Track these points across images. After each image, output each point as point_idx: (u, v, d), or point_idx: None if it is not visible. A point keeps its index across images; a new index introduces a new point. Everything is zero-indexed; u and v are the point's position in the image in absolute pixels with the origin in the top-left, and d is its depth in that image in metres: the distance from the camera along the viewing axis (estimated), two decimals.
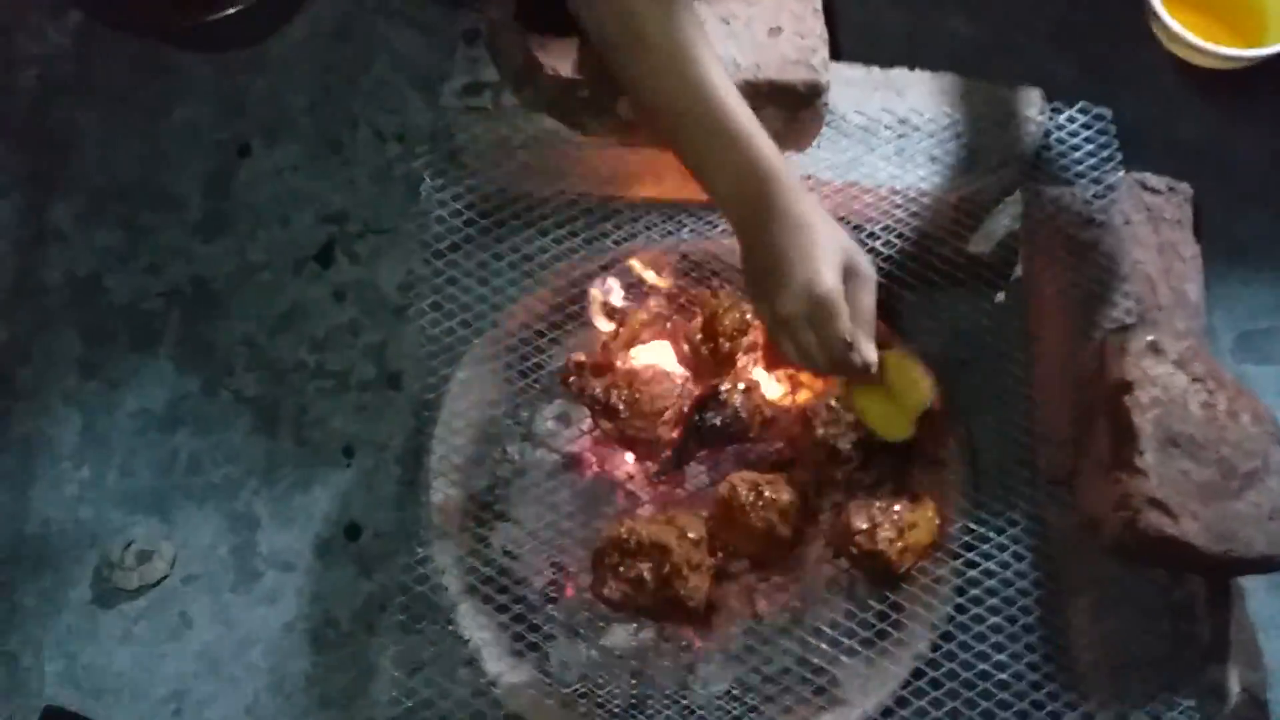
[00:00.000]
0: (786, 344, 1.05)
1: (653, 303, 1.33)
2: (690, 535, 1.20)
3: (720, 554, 1.23)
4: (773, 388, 1.32)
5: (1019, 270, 1.38)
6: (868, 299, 1.04)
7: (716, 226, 1.36)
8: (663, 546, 1.18)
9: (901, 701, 1.18)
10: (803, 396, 1.31)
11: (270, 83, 1.77)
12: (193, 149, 1.75)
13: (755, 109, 1.17)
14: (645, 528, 1.19)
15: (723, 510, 1.22)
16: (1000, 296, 1.40)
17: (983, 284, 1.36)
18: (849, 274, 1.02)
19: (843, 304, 1.00)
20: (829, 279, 0.99)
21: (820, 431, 1.24)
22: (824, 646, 1.23)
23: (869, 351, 1.04)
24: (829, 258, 0.99)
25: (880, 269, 1.20)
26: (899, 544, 1.19)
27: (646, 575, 1.17)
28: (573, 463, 1.31)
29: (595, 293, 1.36)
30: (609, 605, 1.25)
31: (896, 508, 1.21)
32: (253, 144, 1.74)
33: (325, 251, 1.63)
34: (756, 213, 1.02)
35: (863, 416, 1.19)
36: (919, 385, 1.18)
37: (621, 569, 1.19)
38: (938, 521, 1.27)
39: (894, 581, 1.26)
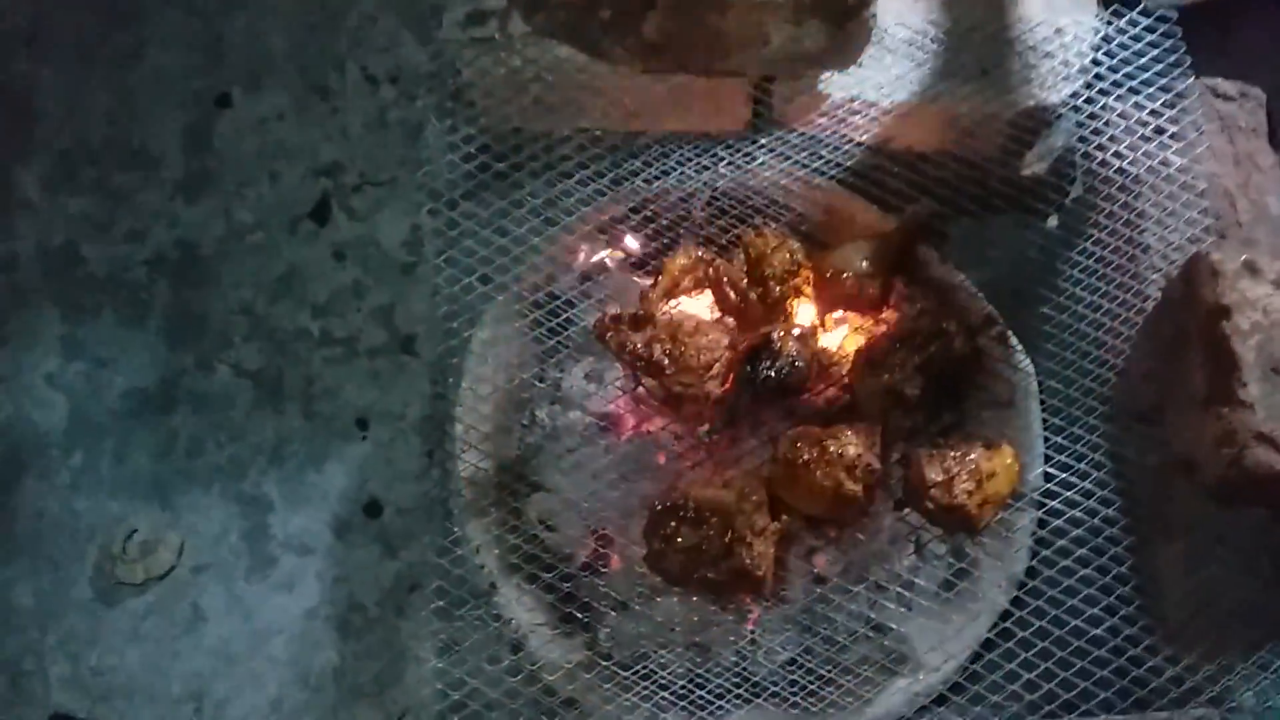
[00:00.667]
0: None
1: (691, 247, 1.26)
2: (753, 498, 1.13)
3: (784, 517, 1.17)
4: (828, 333, 1.26)
5: (1077, 190, 1.32)
6: None
7: (755, 159, 1.29)
8: (724, 511, 1.11)
9: (978, 659, 1.14)
10: (860, 340, 1.25)
11: (248, 24, 1.69)
12: (167, 101, 1.66)
13: (798, 22, 1.06)
14: (701, 492, 1.15)
15: (784, 470, 1.15)
16: (1053, 221, 1.34)
17: (1038, 207, 1.30)
18: None
19: None
20: None
21: (885, 377, 1.17)
22: (892, 607, 1.19)
23: None
24: None
25: (931, 195, 1.21)
26: (978, 496, 1.14)
27: (706, 545, 1.13)
28: (609, 424, 1.26)
29: (627, 239, 1.29)
30: (667, 578, 1.17)
31: (972, 456, 1.15)
32: (232, 93, 1.66)
33: (320, 208, 1.58)
34: None
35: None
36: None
37: (680, 539, 1.14)
38: (1017, 468, 1.19)
39: (972, 535, 1.19)
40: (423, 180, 1.36)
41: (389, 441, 1.46)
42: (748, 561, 1.13)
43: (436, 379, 1.35)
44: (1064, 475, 1.18)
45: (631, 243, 1.33)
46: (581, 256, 1.32)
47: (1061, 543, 1.14)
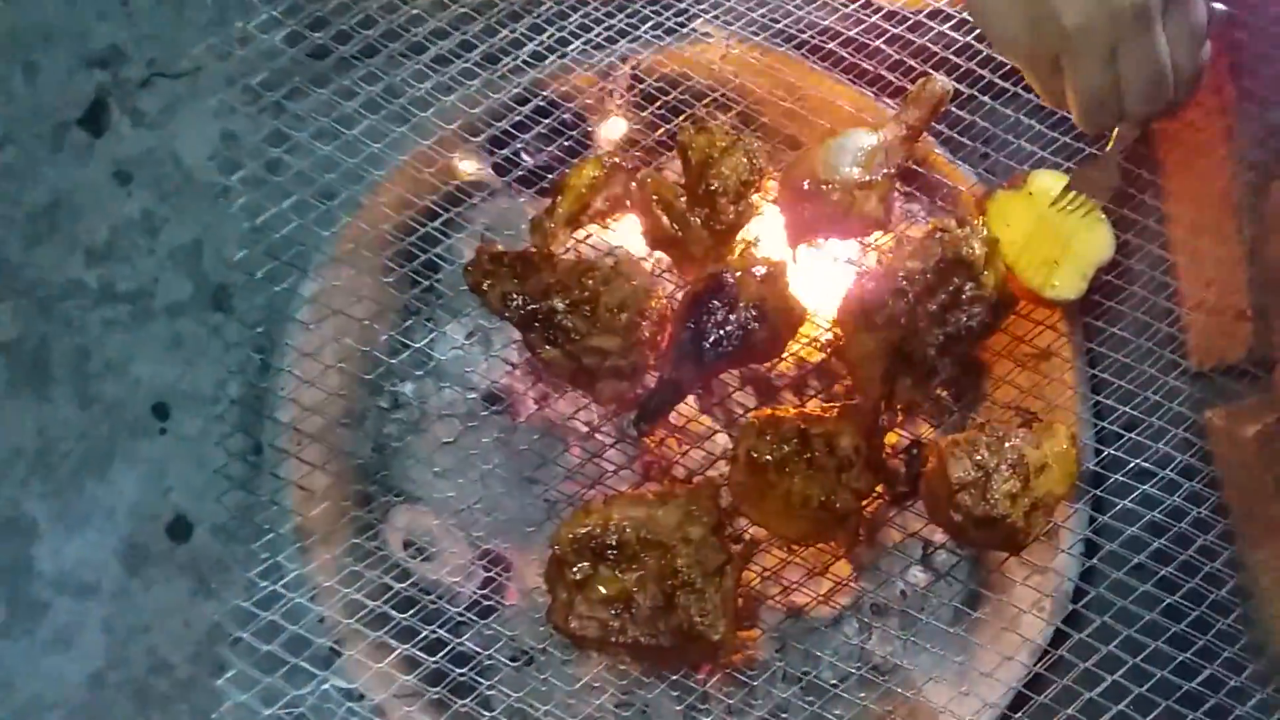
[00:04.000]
0: (1056, 83, 0.91)
1: (605, 151, 1.12)
2: (703, 519, 0.94)
3: (747, 536, 1.02)
4: (804, 270, 1.09)
5: None
6: (1197, 8, 0.89)
7: (685, 30, 1.16)
8: (661, 542, 0.93)
9: (1020, 707, 1.04)
10: (850, 279, 1.08)
11: None
12: None
13: None
14: (629, 511, 0.94)
15: (748, 474, 0.98)
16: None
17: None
18: None
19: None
20: None
21: (887, 331, 0.99)
22: (896, 638, 1.09)
23: (1189, 73, 0.90)
24: None
25: (941, 69, 1.11)
26: (1025, 499, 0.95)
27: (637, 594, 0.92)
28: (504, 403, 1.14)
29: (515, 144, 1.16)
30: (580, 644, 0.95)
31: (1013, 443, 0.97)
32: None
33: (94, 112, 1.38)
34: None
35: (1015, 266, 1.02)
36: (1100, 233, 1.03)
37: (597, 586, 0.93)
38: (1074, 454, 0.99)
39: (1016, 553, 1.00)
40: (236, 70, 1.19)
41: (198, 435, 1.28)
42: (698, 619, 0.91)
43: (263, 346, 1.17)
44: (1124, 452, 1.07)
45: (524, 149, 1.20)
46: (451, 171, 1.18)
47: (1119, 546, 1.04)
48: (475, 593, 1.09)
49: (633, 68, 1.16)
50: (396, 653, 1.03)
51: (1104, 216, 1.04)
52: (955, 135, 1.13)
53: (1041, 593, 1.03)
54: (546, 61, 1.15)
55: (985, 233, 1.00)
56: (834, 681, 1.06)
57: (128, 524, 1.25)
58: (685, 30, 1.15)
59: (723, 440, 1.10)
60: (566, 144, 1.16)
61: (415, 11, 1.16)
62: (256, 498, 1.13)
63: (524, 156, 1.19)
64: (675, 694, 1.07)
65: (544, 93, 1.14)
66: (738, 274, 0.99)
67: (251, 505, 1.17)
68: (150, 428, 1.29)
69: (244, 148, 1.28)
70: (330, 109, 1.14)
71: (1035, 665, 1.02)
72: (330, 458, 1.11)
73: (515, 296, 0.98)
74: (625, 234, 1.12)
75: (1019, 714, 1.03)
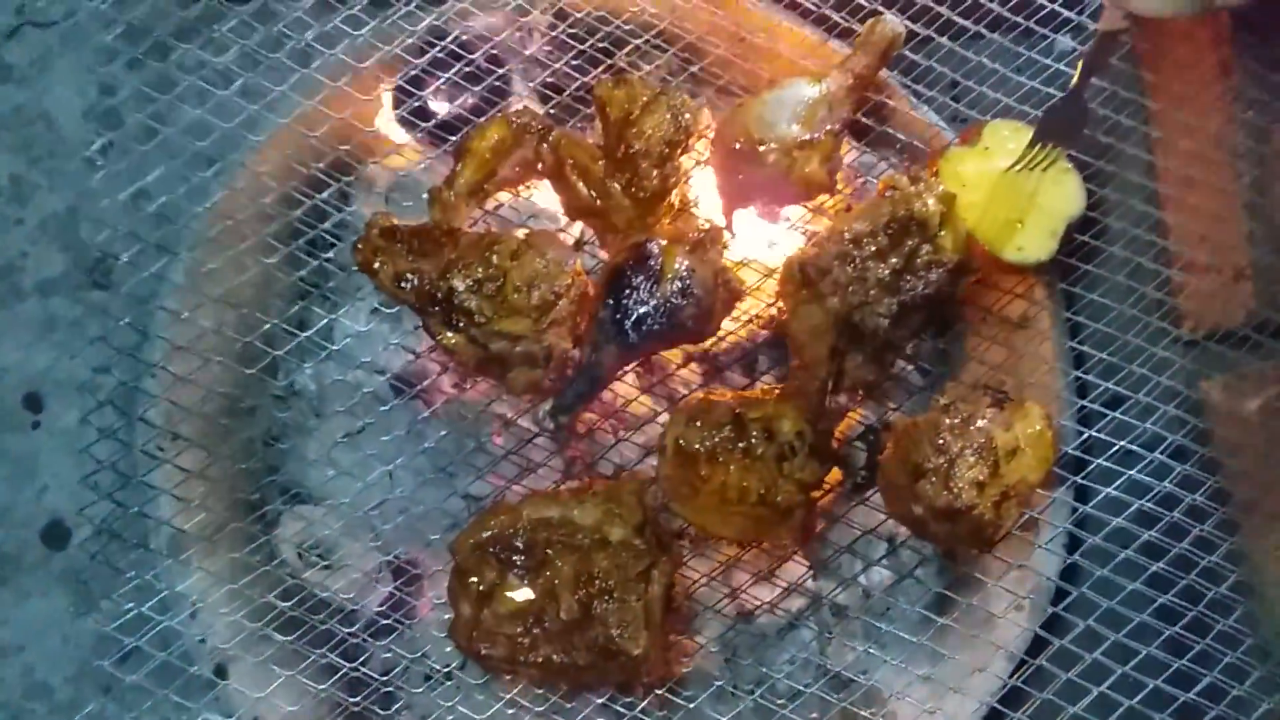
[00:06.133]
0: None
1: (516, 109, 1.04)
2: (623, 521, 0.87)
3: (680, 542, 0.95)
4: (739, 239, 1.02)
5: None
6: None
7: None
8: (577, 546, 0.86)
9: None
10: (793, 245, 1.01)
11: None
12: None
13: None
14: (541, 512, 0.88)
15: (678, 469, 0.91)
16: (1068, 40, 1.11)
17: (1044, 24, 1.10)
18: None
19: None
20: None
21: (834, 300, 0.91)
22: (857, 647, 1.04)
23: None
24: None
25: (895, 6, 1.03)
26: (994, 488, 0.90)
27: (550, 608, 0.85)
28: (413, 388, 1.06)
29: (425, 95, 1.08)
30: (486, 665, 0.88)
31: (980, 423, 0.91)
32: None
33: None
34: None
35: (976, 230, 0.95)
36: (1068, 185, 0.97)
37: (506, 598, 0.85)
38: (1050, 437, 0.92)
39: (985, 549, 0.93)
40: (114, 15, 1.13)
41: (76, 428, 1.19)
42: (616, 632, 0.83)
43: (146, 326, 1.09)
44: (1108, 433, 1.00)
45: (432, 101, 1.10)
46: (353, 123, 1.10)
47: (1104, 540, 0.96)
48: (374, 611, 1.05)
49: (554, 7, 1.06)
50: (281, 680, 0.96)
51: (1071, 166, 0.97)
52: (909, 83, 1.05)
53: (1018, 594, 0.97)
54: (452, 4, 1.06)
55: (941, 188, 0.92)
56: (784, 701, 0.99)
57: None
58: None
59: (665, 424, 1.01)
60: (481, 97, 1.08)
61: None
62: (124, 509, 1.05)
63: (437, 106, 1.09)
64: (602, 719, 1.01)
65: (452, 36, 1.05)
66: (662, 245, 0.90)
67: (138, 505, 1.08)
68: (21, 421, 1.23)
69: (124, 101, 1.20)
70: (219, 54, 1.06)
71: (1012, 678, 0.96)
72: (212, 459, 1.05)
73: (409, 277, 0.89)
74: (539, 204, 1.04)
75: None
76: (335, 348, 1.08)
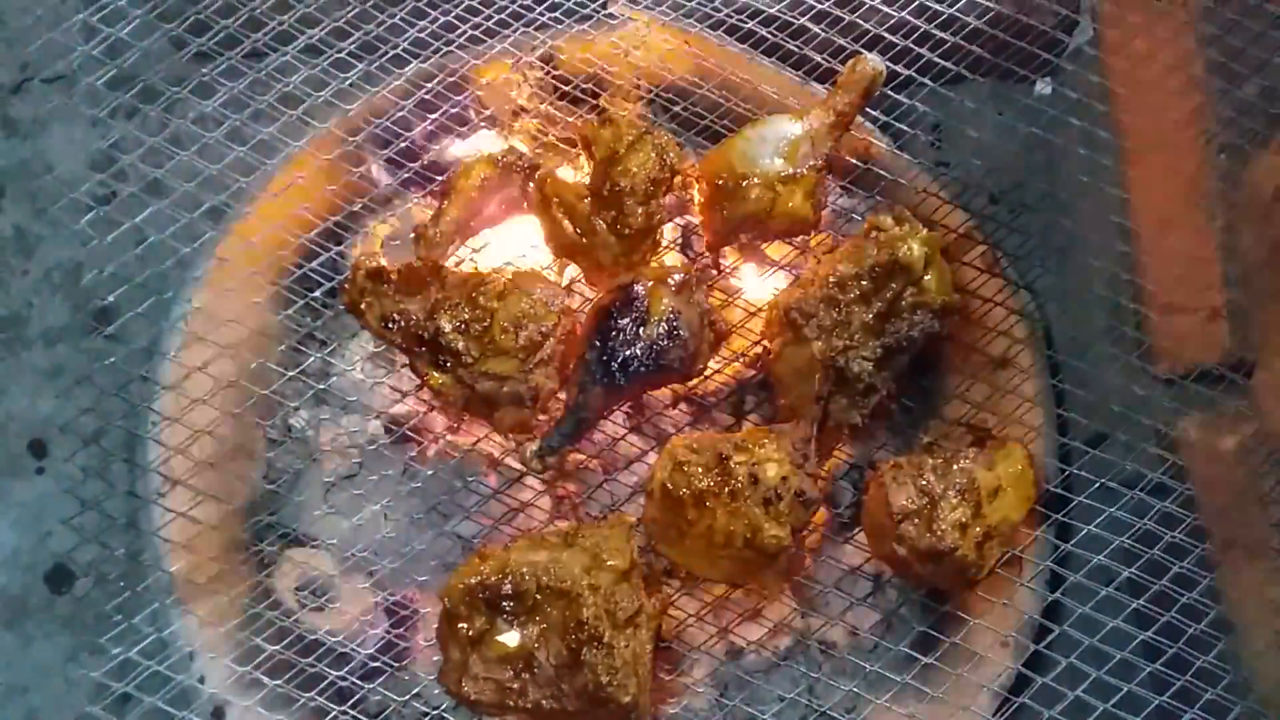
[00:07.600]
0: None
1: (502, 148, 1.06)
2: (611, 564, 0.86)
3: (665, 590, 0.94)
4: (726, 277, 1.05)
5: (1081, 36, 1.13)
6: None
7: (597, 19, 1.10)
8: (565, 590, 0.85)
9: None
10: (779, 286, 1.03)
11: None
12: None
13: None
14: (528, 556, 0.87)
15: (666, 509, 0.90)
16: (1044, 87, 1.16)
17: (1022, 71, 1.10)
18: None
19: None
20: None
21: (819, 342, 0.92)
22: (843, 686, 1.01)
23: None
24: None
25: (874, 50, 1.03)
26: (976, 529, 0.90)
27: (539, 651, 0.84)
28: (409, 431, 1.06)
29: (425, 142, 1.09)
30: (476, 709, 0.87)
31: (963, 465, 0.91)
32: None
33: None
34: None
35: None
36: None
37: (495, 643, 0.84)
38: (1031, 478, 0.93)
39: (968, 588, 0.94)
40: (118, 71, 1.13)
41: (80, 475, 1.18)
42: (605, 680, 0.82)
43: (149, 374, 1.10)
44: (1089, 471, 1.00)
45: (419, 141, 1.11)
46: (351, 170, 1.11)
47: (1086, 577, 0.95)
48: (365, 655, 1.03)
49: (545, 55, 1.08)
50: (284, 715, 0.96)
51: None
52: (893, 121, 1.07)
53: (1001, 631, 0.97)
54: (448, 54, 1.08)
55: (924, 232, 0.93)
56: None
57: (3, 574, 1.19)
58: (602, 16, 1.08)
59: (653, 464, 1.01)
60: (474, 138, 1.08)
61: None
62: (111, 551, 1.07)
63: (417, 149, 1.12)
64: None
65: (446, 77, 1.07)
66: (649, 284, 0.91)
67: (140, 550, 1.09)
68: (26, 467, 1.23)
69: (127, 155, 1.19)
70: (221, 108, 1.08)
71: (996, 715, 0.96)
72: (208, 500, 1.04)
73: (395, 318, 0.90)
74: (524, 243, 1.05)
75: None
76: (341, 379, 1.09)
